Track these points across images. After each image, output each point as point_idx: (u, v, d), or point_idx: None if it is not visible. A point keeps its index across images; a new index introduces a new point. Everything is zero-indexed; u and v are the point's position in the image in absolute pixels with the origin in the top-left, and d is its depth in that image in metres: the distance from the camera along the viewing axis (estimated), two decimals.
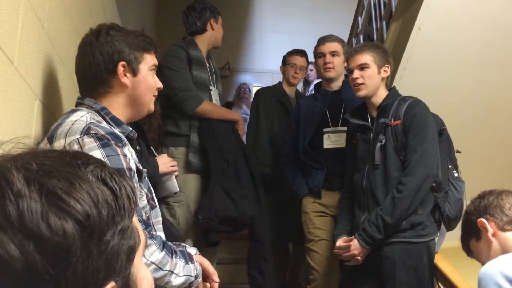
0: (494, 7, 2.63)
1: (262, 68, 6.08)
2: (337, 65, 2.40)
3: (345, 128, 2.29)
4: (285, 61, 2.98)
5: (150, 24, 4.88)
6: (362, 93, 1.99)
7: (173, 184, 1.96)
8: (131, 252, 0.50)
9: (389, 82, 2.07)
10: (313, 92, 2.71)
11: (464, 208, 1.65)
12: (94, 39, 1.20)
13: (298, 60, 2.94)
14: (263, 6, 6.43)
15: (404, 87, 2.75)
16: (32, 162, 0.46)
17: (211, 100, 2.30)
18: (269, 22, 6.23)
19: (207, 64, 2.38)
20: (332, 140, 2.32)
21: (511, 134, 3.09)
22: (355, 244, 1.85)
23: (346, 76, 2.56)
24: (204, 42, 2.39)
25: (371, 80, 1.96)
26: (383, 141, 1.90)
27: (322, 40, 2.46)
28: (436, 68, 2.81)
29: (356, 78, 1.97)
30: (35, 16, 1.18)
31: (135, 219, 0.53)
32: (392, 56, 2.90)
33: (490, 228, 1.27)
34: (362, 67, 1.97)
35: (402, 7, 2.87)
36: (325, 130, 2.34)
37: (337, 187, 2.25)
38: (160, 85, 1.30)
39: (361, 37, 3.70)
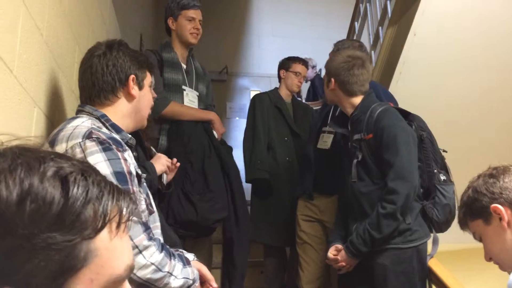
0: (489, 12, 2.66)
1: (260, 72, 6.10)
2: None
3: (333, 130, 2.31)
4: (289, 67, 2.92)
5: (148, 31, 4.90)
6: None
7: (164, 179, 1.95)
8: (60, 274, 0.42)
9: (352, 92, 1.98)
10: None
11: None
12: (108, 51, 1.29)
13: (304, 70, 2.94)
14: (261, 11, 6.47)
15: (400, 91, 2.78)
16: (11, 148, 0.46)
17: (182, 101, 2.26)
18: (267, 26, 6.27)
19: (184, 65, 2.35)
20: (323, 140, 2.33)
21: (507, 136, 3.11)
22: (342, 256, 1.87)
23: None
24: (175, 43, 2.36)
25: (325, 92, 2.11)
26: (360, 157, 1.88)
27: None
28: (432, 72, 2.84)
29: None
30: (34, 25, 1.20)
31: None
32: (388, 60, 2.95)
33: (506, 216, 1.10)
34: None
35: (397, 13, 2.90)
36: (323, 129, 2.37)
37: (327, 190, 2.29)
38: (152, 103, 1.39)
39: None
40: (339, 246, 1.95)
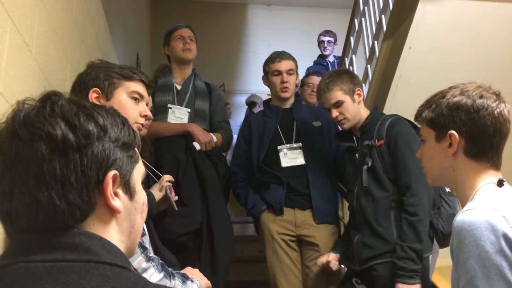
0: (485, 28, 2.66)
1: (257, 89, 6.11)
2: (292, 84, 2.37)
3: (300, 145, 2.28)
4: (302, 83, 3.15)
5: (145, 49, 4.92)
6: (346, 126, 2.02)
7: (172, 202, 1.93)
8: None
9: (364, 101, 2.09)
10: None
11: None
12: (80, 73, 1.35)
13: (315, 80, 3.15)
14: (257, 29, 6.52)
15: (397, 104, 2.76)
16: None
17: (165, 119, 2.31)
18: (263, 43, 6.30)
19: (178, 86, 2.40)
20: (289, 158, 2.28)
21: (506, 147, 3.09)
22: None
23: (296, 94, 2.55)
24: (173, 67, 2.47)
25: (350, 112, 1.98)
26: (370, 163, 1.89)
27: (277, 57, 2.38)
28: (428, 85, 2.80)
29: (336, 116, 1.99)
30: (23, 41, 1.18)
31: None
32: (384, 74, 2.95)
33: (456, 147, 1.07)
34: (337, 104, 1.98)
35: (392, 27, 2.91)
36: (279, 147, 2.30)
37: (298, 204, 2.22)
38: (146, 113, 1.35)
39: (353, 56, 3.74)
40: (333, 255, 2.00)
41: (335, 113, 1.99)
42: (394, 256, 1.77)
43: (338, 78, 2.00)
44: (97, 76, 1.29)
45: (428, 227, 1.78)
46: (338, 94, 1.97)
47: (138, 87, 1.34)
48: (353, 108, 1.99)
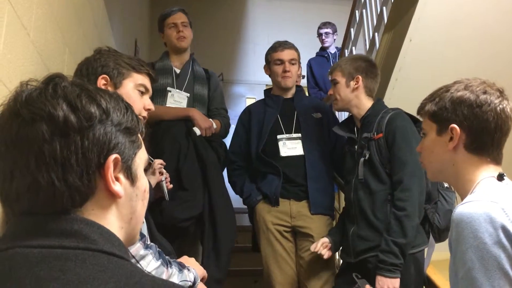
0: (487, 22, 2.64)
1: (256, 80, 6.09)
2: (294, 73, 2.35)
3: (299, 135, 2.27)
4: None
5: (143, 35, 4.88)
6: (336, 107, 2.11)
7: (165, 191, 1.92)
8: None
9: (371, 93, 2.05)
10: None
11: None
12: (88, 57, 1.33)
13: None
14: (257, 19, 6.47)
15: (397, 98, 2.75)
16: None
17: (164, 102, 2.28)
18: (262, 34, 6.26)
19: (177, 70, 2.38)
20: (288, 147, 2.27)
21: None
22: (382, 281, 1.73)
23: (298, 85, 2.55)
24: (170, 52, 2.44)
25: (340, 95, 2.04)
26: (367, 156, 1.89)
27: (280, 46, 2.35)
28: (428, 79, 2.81)
29: (331, 94, 2.10)
30: (20, 24, 1.16)
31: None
32: (384, 66, 2.93)
33: (457, 141, 1.07)
34: (334, 82, 2.06)
35: (393, 19, 2.89)
36: (279, 137, 2.28)
37: (293, 195, 2.21)
38: (149, 106, 1.36)
39: (354, 48, 3.72)
40: (324, 239, 2.02)
41: (330, 90, 2.11)
42: (378, 248, 1.78)
43: (348, 61, 2.07)
44: (106, 64, 1.29)
45: (416, 223, 1.77)
46: (337, 74, 2.06)
47: (145, 80, 1.36)
48: (344, 92, 2.02)
